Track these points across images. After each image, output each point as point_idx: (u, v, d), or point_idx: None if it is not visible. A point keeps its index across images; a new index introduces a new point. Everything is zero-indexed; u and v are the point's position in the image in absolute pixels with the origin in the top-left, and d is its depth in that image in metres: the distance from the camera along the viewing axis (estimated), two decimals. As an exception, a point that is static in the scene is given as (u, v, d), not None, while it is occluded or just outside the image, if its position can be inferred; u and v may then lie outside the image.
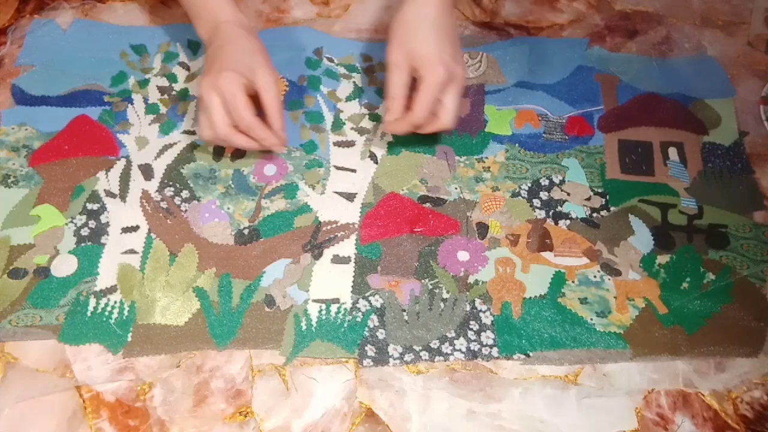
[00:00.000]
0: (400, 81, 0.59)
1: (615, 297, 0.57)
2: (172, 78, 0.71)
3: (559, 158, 0.66)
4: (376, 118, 0.69)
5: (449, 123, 0.59)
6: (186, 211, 0.61)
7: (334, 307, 0.56)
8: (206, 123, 0.58)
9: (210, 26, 0.62)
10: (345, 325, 0.55)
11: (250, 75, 0.57)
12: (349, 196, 0.63)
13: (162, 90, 0.70)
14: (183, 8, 0.65)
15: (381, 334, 0.55)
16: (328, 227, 0.61)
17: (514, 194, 0.63)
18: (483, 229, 0.61)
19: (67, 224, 0.60)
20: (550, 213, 0.62)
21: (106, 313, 0.55)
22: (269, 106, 0.58)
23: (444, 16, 0.57)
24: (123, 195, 0.62)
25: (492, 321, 0.56)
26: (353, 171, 0.65)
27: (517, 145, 0.67)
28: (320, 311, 0.56)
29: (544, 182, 0.64)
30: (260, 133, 0.58)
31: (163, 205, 0.62)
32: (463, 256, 0.59)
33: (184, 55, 0.73)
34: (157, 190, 0.63)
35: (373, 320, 0.55)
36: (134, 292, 0.56)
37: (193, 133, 0.67)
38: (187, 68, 0.72)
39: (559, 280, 0.58)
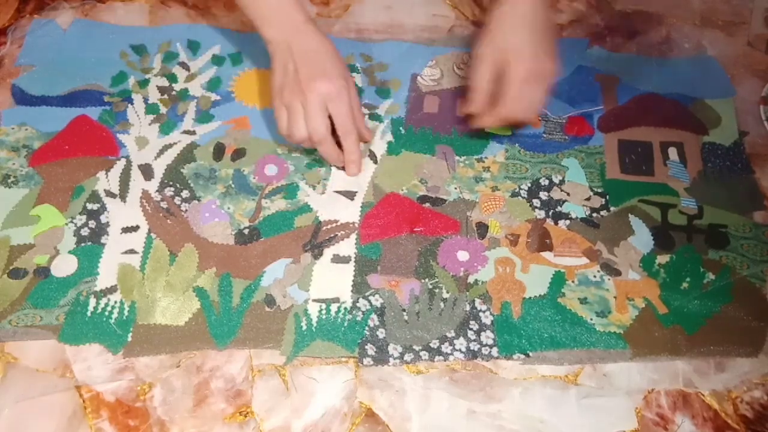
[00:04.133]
0: (485, 74, 0.59)
1: (615, 297, 0.57)
2: (172, 78, 0.71)
3: (558, 158, 0.66)
4: (376, 118, 0.69)
5: (532, 115, 0.60)
6: (186, 211, 0.61)
7: (334, 307, 0.56)
8: (302, 124, 0.58)
9: (286, 27, 0.60)
10: (345, 325, 0.55)
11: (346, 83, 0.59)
12: (350, 196, 0.63)
13: (162, 90, 0.70)
14: (243, 12, 0.62)
15: (381, 334, 0.55)
16: (328, 227, 0.61)
17: (514, 194, 0.63)
18: (483, 229, 0.61)
19: (67, 224, 0.60)
20: (550, 213, 0.62)
21: (106, 313, 0.55)
22: (341, 132, 0.60)
23: (538, 11, 0.58)
24: (123, 195, 0.62)
25: (492, 321, 0.56)
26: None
27: (516, 145, 0.67)
28: (320, 311, 0.56)
29: (544, 182, 0.64)
30: (328, 150, 0.60)
31: (163, 205, 0.62)
32: (462, 256, 0.59)
33: (184, 55, 0.73)
34: (157, 190, 0.63)
35: (373, 320, 0.55)
36: (134, 292, 0.56)
37: (193, 133, 0.67)
38: (187, 68, 0.72)
39: (558, 280, 0.58)
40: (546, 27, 0.58)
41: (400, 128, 0.68)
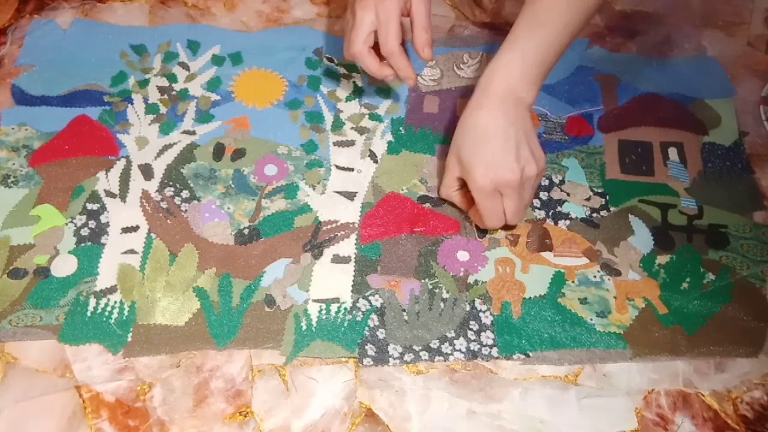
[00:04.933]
0: (453, 185, 0.59)
1: (615, 297, 0.57)
2: (172, 78, 0.71)
3: (558, 158, 0.66)
4: (376, 118, 0.69)
5: (515, 221, 0.58)
6: (186, 211, 0.61)
7: (334, 307, 0.56)
8: (356, 41, 0.59)
9: None
10: (345, 325, 0.55)
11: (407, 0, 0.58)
12: (350, 196, 0.63)
13: (162, 90, 0.70)
14: None
15: (381, 334, 0.55)
16: (328, 227, 0.61)
17: (514, 194, 0.63)
18: (483, 229, 0.61)
19: (67, 224, 0.60)
20: (550, 213, 0.62)
21: (106, 313, 0.55)
22: (416, 23, 0.59)
23: (496, 119, 0.54)
24: (123, 195, 0.62)
25: (492, 321, 0.56)
26: (353, 170, 0.65)
27: (517, 145, 0.67)
28: (320, 311, 0.56)
29: (544, 182, 0.64)
30: (398, 62, 0.59)
31: (163, 205, 0.62)
32: (462, 256, 0.59)
33: (184, 55, 0.73)
34: (157, 190, 0.63)
35: (373, 320, 0.55)
36: (134, 292, 0.56)
37: (193, 133, 0.67)
38: (187, 68, 0.72)
39: (558, 280, 0.58)
40: (519, 134, 0.54)
41: (400, 128, 0.68)
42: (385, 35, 0.58)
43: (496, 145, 0.53)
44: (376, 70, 0.60)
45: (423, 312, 0.56)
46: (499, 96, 0.54)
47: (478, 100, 0.55)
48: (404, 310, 0.56)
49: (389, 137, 0.67)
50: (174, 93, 0.70)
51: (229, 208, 0.62)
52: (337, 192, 0.63)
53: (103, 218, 0.60)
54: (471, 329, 0.55)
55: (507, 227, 0.60)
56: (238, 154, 0.66)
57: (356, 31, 0.58)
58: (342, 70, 0.73)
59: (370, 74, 0.61)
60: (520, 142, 0.54)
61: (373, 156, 0.66)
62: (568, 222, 0.62)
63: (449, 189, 0.60)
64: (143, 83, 0.70)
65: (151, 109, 0.69)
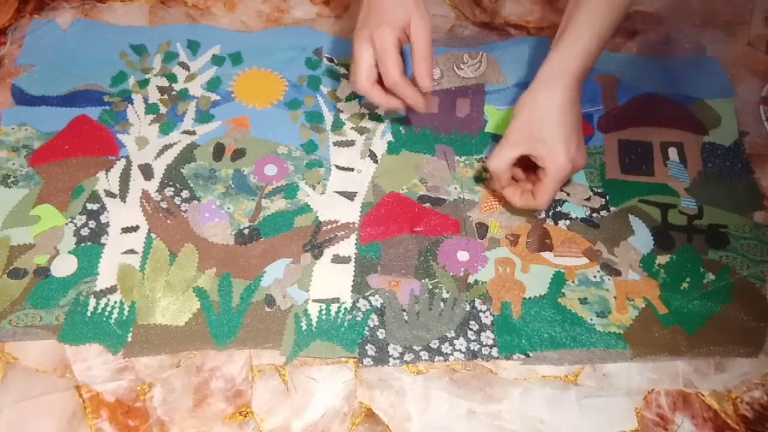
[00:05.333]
0: (509, 157, 0.58)
1: (615, 297, 0.57)
2: (172, 78, 0.71)
3: (559, 158, 0.66)
4: (376, 118, 0.69)
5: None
6: (186, 211, 0.61)
7: (334, 307, 0.56)
8: (361, 75, 0.59)
9: None
10: (345, 325, 0.55)
11: (404, 24, 0.58)
12: (350, 196, 0.63)
13: (162, 90, 0.70)
14: None
15: (381, 334, 0.55)
16: (328, 227, 0.61)
17: (514, 194, 0.63)
18: (483, 229, 0.61)
19: (67, 224, 0.60)
20: (550, 213, 0.62)
21: (106, 313, 0.55)
22: (416, 53, 0.58)
23: (571, 104, 0.55)
24: (123, 195, 0.62)
25: (492, 321, 0.56)
26: (353, 170, 0.65)
27: (517, 145, 0.67)
28: (320, 311, 0.56)
29: (544, 182, 0.64)
30: (403, 92, 0.59)
31: (163, 205, 0.62)
32: (462, 256, 0.59)
33: (184, 55, 0.73)
34: (157, 190, 0.63)
35: (373, 320, 0.55)
36: (134, 292, 0.56)
37: (193, 133, 0.67)
38: (187, 68, 0.72)
39: (558, 280, 0.58)
40: (576, 119, 0.56)
41: (401, 128, 0.68)
42: (384, 67, 0.58)
43: (576, 129, 0.56)
44: (384, 102, 0.60)
45: (423, 312, 0.56)
46: (575, 79, 0.55)
47: (554, 82, 0.55)
48: (404, 310, 0.56)
49: (389, 137, 0.67)
50: (174, 93, 0.70)
51: (229, 208, 0.62)
52: (337, 192, 0.63)
53: (103, 218, 0.60)
54: (471, 329, 0.55)
55: (533, 209, 0.61)
56: (238, 154, 0.66)
57: (357, 67, 0.59)
58: (342, 70, 0.73)
59: (379, 105, 0.62)
60: (581, 129, 0.57)
61: (373, 156, 0.66)
62: (568, 222, 0.62)
63: (505, 164, 0.58)
64: (143, 83, 0.70)
65: (151, 109, 0.69)
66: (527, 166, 0.59)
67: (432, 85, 0.60)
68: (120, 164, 0.64)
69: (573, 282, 0.58)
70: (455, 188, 0.64)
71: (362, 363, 0.53)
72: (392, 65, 0.57)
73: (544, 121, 0.55)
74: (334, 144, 0.67)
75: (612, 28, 0.56)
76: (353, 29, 0.76)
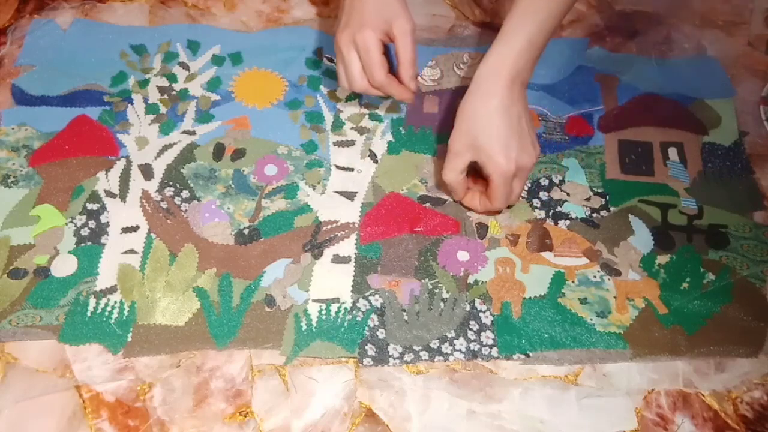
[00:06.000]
0: (460, 169, 0.58)
1: (615, 297, 0.57)
2: (172, 78, 0.71)
3: (558, 158, 0.66)
4: (376, 118, 0.69)
5: (511, 203, 0.60)
6: (186, 211, 0.61)
7: (334, 307, 0.56)
8: (344, 75, 0.60)
9: None
10: (345, 325, 0.55)
11: (386, 27, 0.58)
12: (350, 196, 0.63)
13: (162, 90, 0.70)
14: None
15: (381, 334, 0.55)
16: (328, 227, 0.61)
17: (514, 194, 0.63)
18: (483, 229, 0.61)
19: (67, 224, 0.60)
20: (550, 213, 0.62)
21: (106, 313, 0.55)
22: (401, 58, 0.59)
23: (509, 105, 0.55)
24: (123, 195, 0.62)
25: (492, 321, 0.56)
26: (353, 170, 0.65)
27: (517, 145, 0.67)
28: (320, 311, 0.56)
29: (544, 182, 0.64)
30: (390, 90, 0.60)
31: (163, 205, 0.62)
32: (462, 256, 0.59)
33: (184, 55, 0.73)
34: (157, 190, 0.63)
35: (373, 320, 0.55)
36: (134, 292, 0.56)
37: (193, 133, 0.67)
38: (187, 68, 0.72)
39: (558, 280, 0.58)
40: (519, 120, 0.56)
41: (401, 128, 0.68)
42: (369, 69, 0.58)
43: (516, 130, 0.55)
44: (394, 93, 0.61)
45: (423, 312, 0.56)
46: (511, 79, 0.55)
47: (488, 86, 0.55)
48: (404, 310, 0.56)
49: (389, 137, 0.68)
50: (174, 93, 0.70)
51: (229, 208, 0.62)
52: (337, 192, 0.63)
53: (103, 218, 0.60)
54: (471, 329, 0.55)
55: (495, 212, 0.62)
56: (238, 154, 0.66)
57: (349, 69, 0.59)
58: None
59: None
60: (530, 126, 0.57)
61: (373, 156, 0.66)
62: (568, 222, 0.62)
63: (457, 174, 0.59)
64: (143, 83, 0.70)
65: (151, 109, 0.69)
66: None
67: (417, 88, 0.61)
68: (120, 164, 0.64)
69: (573, 282, 0.58)
70: (455, 188, 0.64)
71: (362, 363, 0.53)
72: (377, 67, 0.58)
73: (480, 128, 0.55)
74: (334, 144, 0.67)
75: (557, 17, 0.56)
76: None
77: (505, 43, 0.55)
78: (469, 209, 0.62)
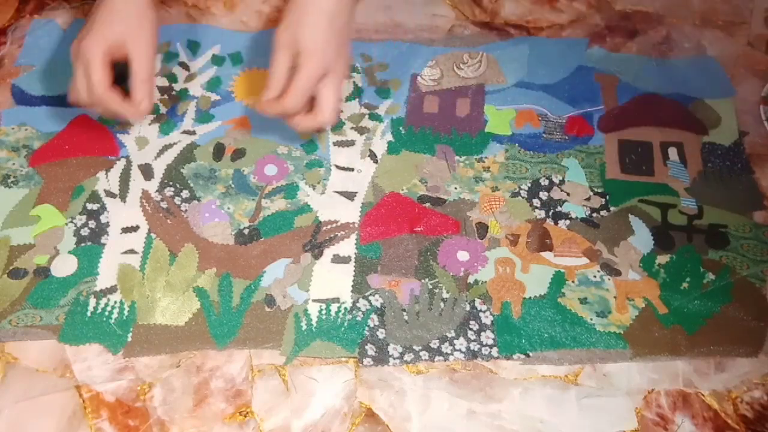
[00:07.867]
0: (283, 62, 0.57)
1: (615, 297, 0.57)
2: (172, 78, 0.71)
3: (558, 158, 0.66)
4: (376, 118, 0.69)
5: (327, 118, 0.59)
6: (186, 211, 0.61)
7: (334, 307, 0.56)
8: (74, 87, 0.58)
9: None
10: (345, 325, 0.55)
11: (119, 38, 0.57)
12: (350, 196, 0.63)
13: (162, 90, 0.70)
14: None
15: (381, 334, 0.55)
16: (329, 227, 0.61)
17: (514, 194, 0.63)
18: (483, 229, 0.61)
19: (67, 224, 0.60)
20: (550, 213, 0.62)
21: (106, 313, 0.55)
22: (132, 75, 0.58)
23: (340, 10, 0.56)
24: (123, 195, 0.62)
25: (492, 321, 0.56)
26: (353, 170, 0.65)
27: (516, 145, 0.67)
28: (320, 311, 0.56)
29: (544, 182, 0.64)
30: (112, 107, 0.58)
31: (163, 205, 0.62)
32: (462, 256, 0.59)
33: (184, 55, 0.73)
34: (157, 190, 0.63)
35: (373, 320, 0.55)
36: (134, 292, 0.56)
37: (193, 133, 0.67)
38: (187, 68, 0.72)
39: (559, 280, 0.58)
40: (343, 26, 0.57)
41: (400, 128, 0.68)
42: (88, 81, 0.57)
43: (337, 37, 0.56)
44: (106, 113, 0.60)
45: (423, 312, 0.56)
46: None
47: None
48: (404, 310, 0.56)
49: (389, 137, 0.67)
50: (174, 93, 0.70)
51: (229, 208, 0.62)
52: (337, 192, 0.63)
53: (103, 218, 0.60)
54: (471, 329, 0.55)
55: (289, 114, 0.59)
56: (238, 154, 0.66)
57: (73, 81, 0.58)
58: (342, 70, 0.73)
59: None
60: (349, 41, 0.59)
61: (373, 156, 0.66)
62: (568, 222, 0.62)
63: (281, 66, 0.57)
64: (143, 83, 0.70)
65: (151, 109, 0.69)
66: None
67: (151, 107, 0.60)
68: (120, 164, 0.64)
69: (573, 282, 0.58)
70: (455, 188, 0.64)
71: (362, 363, 0.53)
72: (95, 80, 0.56)
73: (305, 24, 0.55)
74: (334, 144, 0.67)
75: None
76: (353, 29, 0.76)
77: None
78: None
